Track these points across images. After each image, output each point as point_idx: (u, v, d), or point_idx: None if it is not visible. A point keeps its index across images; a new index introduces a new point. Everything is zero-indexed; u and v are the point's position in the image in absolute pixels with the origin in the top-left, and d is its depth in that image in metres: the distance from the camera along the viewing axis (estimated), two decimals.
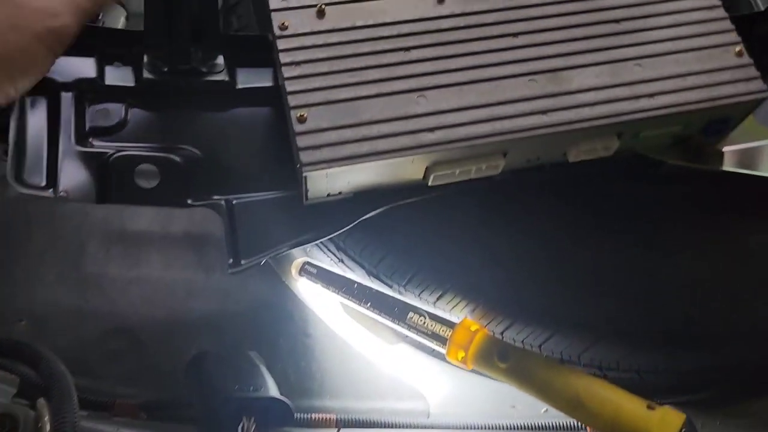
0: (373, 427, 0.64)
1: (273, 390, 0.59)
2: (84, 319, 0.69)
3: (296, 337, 0.71)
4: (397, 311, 0.68)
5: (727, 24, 0.56)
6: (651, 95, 0.53)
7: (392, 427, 0.65)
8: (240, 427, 0.54)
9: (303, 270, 0.74)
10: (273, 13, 0.52)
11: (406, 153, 0.49)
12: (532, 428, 0.67)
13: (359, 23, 0.53)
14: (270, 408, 0.57)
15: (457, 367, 0.71)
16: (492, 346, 0.63)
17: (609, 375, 0.68)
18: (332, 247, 0.72)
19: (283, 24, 0.52)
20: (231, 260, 0.52)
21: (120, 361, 0.66)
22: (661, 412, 0.55)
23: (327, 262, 0.74)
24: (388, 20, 0.53)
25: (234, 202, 0.55)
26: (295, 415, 0.60)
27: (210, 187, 0.55)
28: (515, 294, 0.64)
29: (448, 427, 0.66)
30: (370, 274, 0.70)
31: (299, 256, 0.75)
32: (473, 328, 0.64)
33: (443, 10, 0.54)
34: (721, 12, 0.57)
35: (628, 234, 0.65)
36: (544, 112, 0.51)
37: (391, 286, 0.69)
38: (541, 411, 0.69)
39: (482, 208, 0.64)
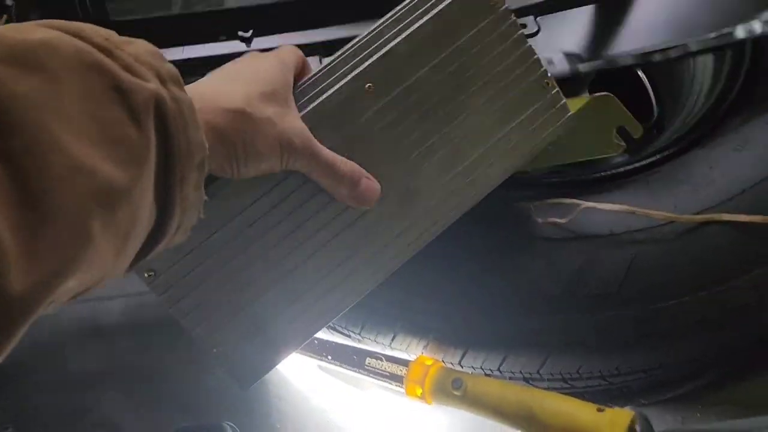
0: None
1: None
2: (65, 418, 0.72)
3: (270, 402, 0.73)
4: (356, 359, 0.70)
5: (534, 58, 0.55)
6: (486, 169, 0.55)
7: None
8: None
9: None
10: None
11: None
12: None
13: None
14: None
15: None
16: (446, 376, 0.64)
17: (575, 385, 0.69)
18: None
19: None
20: None
21: None
22: (610, 413, 0.56)
23: None
24: None
25: None
26: None
27: None
28: (461, 323, 0.66)
29: None
30: (328, 327, 0.72)
31: None
32: (428, 362, 0.66)
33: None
34: (527, 47, 0.55)
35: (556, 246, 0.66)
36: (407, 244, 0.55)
37: (349, 336, 0.71)
38: None
39: None
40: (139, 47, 0.38)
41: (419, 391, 0.64)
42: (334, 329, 0.72)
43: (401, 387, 0.66)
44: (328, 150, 0.50)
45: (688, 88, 0.89)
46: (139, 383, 0.76)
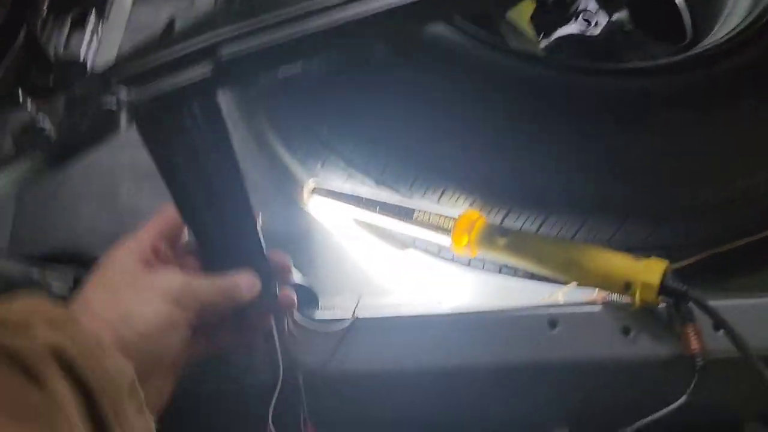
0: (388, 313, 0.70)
1: (299, 278, 0.66)
2: None
3: (315, 251, 0.78)
4: (404, 212, 0.74)
5: None
6: None
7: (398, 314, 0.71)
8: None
9: (314, 191, 0.81)
10: None
11: None
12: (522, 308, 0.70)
13: None
14: (297, 293, 0.64)
15: (462, 261, 0.78)
16: (492, 227, 0.69)
17: None
18: (342, 165, 0.78)
19: None
20: None
21: None
22: (646, 261, 0.62)
23: (339, 180, 0.81)
24: None
25: None
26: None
27: None
28: (509, 183, 0.70)
29: (447, 314, 0.71)
30: (378, 183, 0.76)
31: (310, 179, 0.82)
32: (474, 216, 0.71)
33: None
34: None
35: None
36: None
37: (397, 192, 0.76)
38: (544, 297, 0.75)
39: (474, 105, 0.71)
40: (21, 303, 0.38)
41: (465, 240, 0.70)
42: (384, 185, 0.76)
43: (447, 237, 0.71)
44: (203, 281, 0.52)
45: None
46: None
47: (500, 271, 0.78)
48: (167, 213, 0.56)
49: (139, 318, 0.46)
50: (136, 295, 0.48)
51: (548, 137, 0.70)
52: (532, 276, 0.76)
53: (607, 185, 0.69)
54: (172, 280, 0.50)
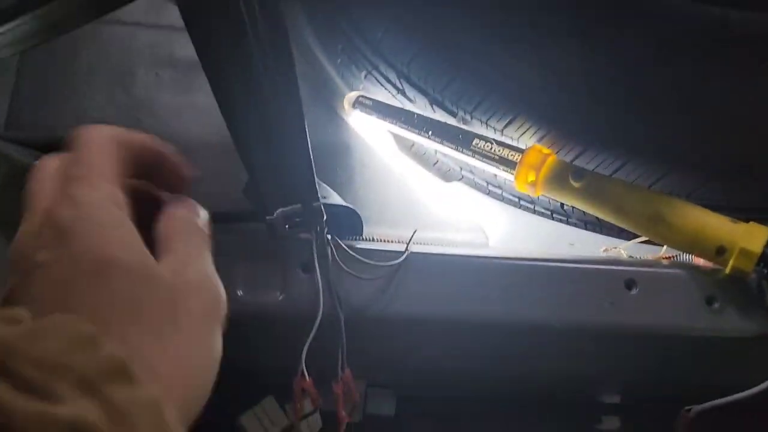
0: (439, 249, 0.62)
1: (340, 201, 0.58)
2: None
3: (354, 168, 0.69)
4: (462, 138, 0.65)
5: None
6: None
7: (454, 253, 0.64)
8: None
9: (357, 103, 0.71)
10: None
11: None
12: (594, 261, 0.64)
13: None
14: (340, 216, 0.56)
15: (516, 203, 0.70)
16: (565, 167, 0.61)
17: None
18: (393, 77, 0.69)
19: None
20: None
21: None
22: (746, 225, 0.54)
23: (384, 94, 0.72)
24: None
25: None
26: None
27: None
28: (589, 120, 0.61)
29: (509, 258, 0.65)
30: (434, 102, 0.67)
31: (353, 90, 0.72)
32: (545, 151, 0.62)
33: None
34: None
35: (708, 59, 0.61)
36: None
37: (455, 114, 0.67)
38: (601, 250, 0.68)
39: (558, 28, 0.61)
40: (54, 340, 0.22)
41: (531, 178, 0.61)
42: (441, 105, 0.67)
43: (511, 173, 0.62)
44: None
45: None
46: (216, 122, 0.70)
47: (552, 217, 0.70)
48: (135, 139, 0.32)
49: (200, 373, 0.29)
50: (186, 335, 0.29)
51: (644, 70, 0.60)
52: (586, 225, 0.70)
53: (702, 134, 0.61)
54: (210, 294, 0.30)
